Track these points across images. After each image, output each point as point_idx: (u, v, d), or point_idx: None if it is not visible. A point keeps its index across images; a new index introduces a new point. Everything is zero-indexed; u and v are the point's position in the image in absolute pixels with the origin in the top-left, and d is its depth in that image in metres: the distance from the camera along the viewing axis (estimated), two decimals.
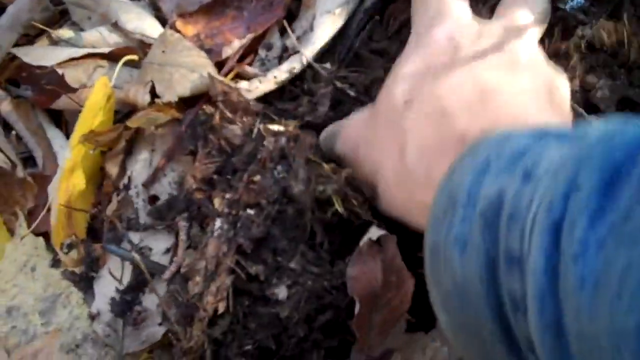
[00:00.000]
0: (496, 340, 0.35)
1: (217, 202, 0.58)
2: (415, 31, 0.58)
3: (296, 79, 0.67)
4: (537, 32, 0.55)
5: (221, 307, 0.55)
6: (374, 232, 0.54)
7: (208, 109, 0.63)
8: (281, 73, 0.66)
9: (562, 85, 0.53)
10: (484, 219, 0.35)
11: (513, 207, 0.33)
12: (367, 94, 0.64)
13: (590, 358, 0.27)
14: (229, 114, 0.62)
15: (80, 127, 0.67)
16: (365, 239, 0.54)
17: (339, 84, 0.64)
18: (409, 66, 0.54)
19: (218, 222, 0.57)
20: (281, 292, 0.55)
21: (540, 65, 0.53)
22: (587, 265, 0.27)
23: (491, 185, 0.36)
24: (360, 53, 0.67)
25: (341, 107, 0.64)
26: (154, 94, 0.67)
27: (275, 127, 0.60)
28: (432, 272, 0.41)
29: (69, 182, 0.68)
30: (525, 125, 0.41)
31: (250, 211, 0.56)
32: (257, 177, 0.57)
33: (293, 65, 0.67)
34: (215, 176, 0.60)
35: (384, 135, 0.53)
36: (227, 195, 0.58)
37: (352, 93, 0.64)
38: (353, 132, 0.58)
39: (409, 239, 0.53)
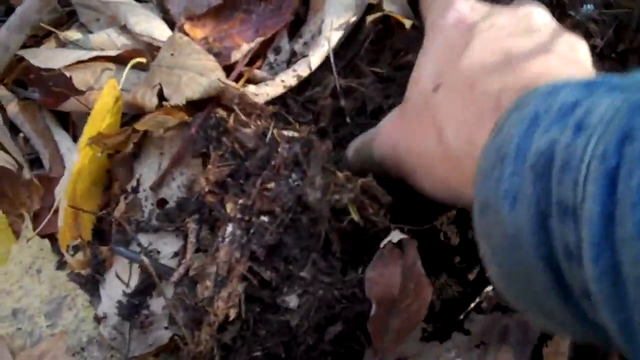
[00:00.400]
0: (549, 289, 0.35)
1: (229, 206, 0.57)
2: (429, 25, 0.57)
3: (308, 82, 0.66)
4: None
5: (232, 313, 0.54)
6: (396, 236, 0.53)
7: (220, 112, 0.62)
8: (289, 77, 0.65)
9: (581, 45, 0.51)
10: (535, 170, 0.34)
11: (566, 157, 0.32)
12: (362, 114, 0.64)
13: None
14: (243, 117, 0.60)
15: (89, 130, 0.66)
16: (386, 241, 0.53)
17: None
18: (430, 55, 0.54)
19: (230, 228, 0.56)
20: (292, 301, 0.54)
21: (556, 28, 0.52)
22: None
23: (541, 138, 0.35)
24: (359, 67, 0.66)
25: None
26: (161, 96, 0.65)
27: (289, 133, 0.59)
28: (481, 227, 0.40)
29: (76, 184, 0.66)
30: (556, 80, 0.40)
31: (264, 218, 0.55)
32: (272, 184, 0.56)
33: (301, 69, 0.65)
34: (228, 179, 0.59)
35: (420, 124, 0.52)
36: (240, 201, 0.57)
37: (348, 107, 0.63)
38: (388, 133, 0.57)
39: (431, 247, 0.52)
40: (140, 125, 0.65)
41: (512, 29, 0.50)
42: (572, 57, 0.50)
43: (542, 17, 0.52)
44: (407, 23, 0.66)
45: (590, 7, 0.56)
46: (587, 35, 0.56)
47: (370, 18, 0.67)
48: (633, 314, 0.28)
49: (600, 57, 0.55)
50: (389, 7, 0.66)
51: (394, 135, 0.56)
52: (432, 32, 0.56)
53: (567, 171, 0.32)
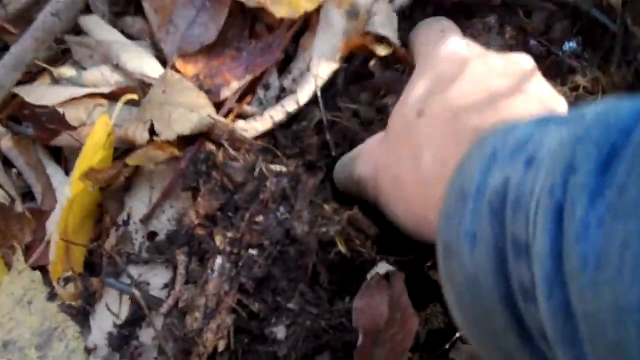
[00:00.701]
0: (509, 330, 0.34)
1: (218, 239, 0.57)
2: (423, 54, 0.59)
3: (295, 117, 0.66)
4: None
5: (221, 345, 0.54)
6: (382, 267, 0.53)
7: (209, 146, 0.62)
8: (277, 113, 0.66)
9: (561, 101, 0.53)
10: (491, 208, 0.34)
11: (517, 194, 0.33)
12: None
13: (596, 336, 0.27)
14: (232, 152, 0.61)
15: (81, 165, 0.66)
16: (373, 272, 0.53)
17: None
18: (418, 85, 0.55)
19: (219, 260, 0.56)
20: (280, 331, 0.54)
21: (541, 78, 0.53)
22: (588, 245, 0.26)
23: (497, 175, 0.35)
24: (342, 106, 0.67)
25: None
26: (152, 132, 0.66)
27: (277, 167, 0.59)
28: (445, 269, 0.40)
29: (68, 217, 0.66)
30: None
31: (253, 251, 0.56)
32: (260, 218, 0.56)
33: (289, 105, 0.66)
34: (217, 213, 0.59)
35: (400, 147, 0.53)
36: (229, 234, 0.57)
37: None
38: (369, 153, 0.58)
39: (416, 278, 0.52)
40: (131, 160, 0.65)
41: (501, 71, 0.52)
42: (551, 107, 0.51)
43: (530, 66, 0.53)
44: (383, 51, 0.67)
45: (572, 44, 0.57)
46: (570, 72, 0.57)
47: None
48: (585, 351, 0.28)
49: (585, 93, 0.56)
50: (381, 31, 0.67)
51: (374, 155, 0.57)
52: (425, 62, 0.57)
53: (519, 207, 0.32)
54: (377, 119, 0.65)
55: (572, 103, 0.57)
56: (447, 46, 0.55)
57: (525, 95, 0.50)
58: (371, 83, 0.67)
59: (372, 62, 0.67)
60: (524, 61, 0.53)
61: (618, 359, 0.26)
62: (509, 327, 0.34)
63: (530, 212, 0.31)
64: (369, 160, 0.57)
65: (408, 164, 0.51)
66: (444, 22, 0.61)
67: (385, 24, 0.67)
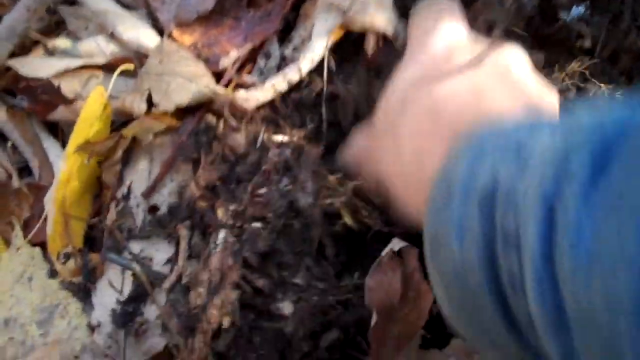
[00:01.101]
0: (496, 320, 0.34)
1: (220, 212, 0.54)
2: (411, 45, 0.56)
3: (298, 87, 0.63)
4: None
5: (226, 321, 0.51)
6: (396, 244, 0.51)
7: (210, 117, 0.59)
8: (279, 82, 0.62)
9: (551, 97, 0.51)
10: (480, 208, 0.34)
11: (508, 192, 0.33)
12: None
13: (588, 331, 0.27)
14: (233, 123, 0.58)
15: (76, 137, 0.63)
16: (387, 249, 0.50)
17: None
18: (405, 75, 0.53)
19: (222, 234, 0.53)
20: (286, 307, 0.52)
21: (532, 77, 0.51)
22: (582, 248, 0.26)
23: (487, 172, 0.35)
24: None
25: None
26: (150, 103, 0.63)
27: (279, 138, 0.56)
28: (433, 262, 0.39)
29: (65, 191, 0.63)
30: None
31: (256, 224, 0.53)
32: (263, 190, 0.53)
33: (291, 74, 0.63)
34: (219, 184, 0.56)
35: (382, 140, 0.52)
36: (232, 207, 0.54)
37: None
38: (354, 142, 0.57)
39: None
40: (127, 131, 0.62)
41: (492, 71, 0.49)
42: (538, 103, 0.49)
43: (519, 60, 0.51)
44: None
45: (580, 9, 0.54)
46: (578, 37, 0.54)
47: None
48: (574, 343, 0.28)
49: (591, 58, 0.53)
50: (380, 15, 0.63)
51: (358, 147, 0.56)
52: (410, 55, 0.55)
53: (509, 206, 0.32)
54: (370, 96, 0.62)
55: (579, 78, 0.54)
56: (437, 35, 0.53)
57: (512, 89, 0.48)
58: (364, 59, 0.63)
59: (367, 41, 0.64)
60: (514, 54, 0.51)
61: (609, 352, 0.26)
62: (497, 317, 0.34)
63: (521, 212, 0.31)
64: (351, 152, 0.56)
65: (390, 156, 0.50)
66: (443, 5, 0.58)
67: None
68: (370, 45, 0.64)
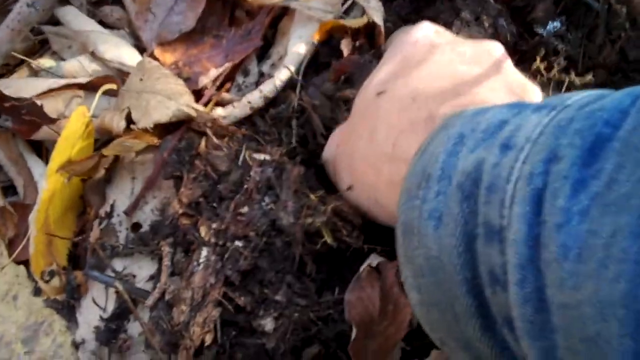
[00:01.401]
0: (470, 315, 0.33)
1: (203, 230, 0.54)
2: (390, 46, 0.56)
3: (274, 102, 0.63)
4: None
5: (208, 339, 0.51)
6: (374, 259, 0.50)
7: (191, 135, 0.59)
8: (255, 98, 0.62)
9: (533, 89, 0.50)
10: (462, 190, 0.33)
11: (492, 178, 0.31)
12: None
13: (573, 328, 0.26)
14: (215, 140, 0.57)
15: (58, 157, 0.62)
16: (365, 265, 0.50)
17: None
18: (384, 68, 0.53)
19: (204, 252, 0.53)
20: (267, 324, 0.51)
21: (511, 67, 0.51)
22: (570, 235, 0.25)
23: (467, 158, 0.34)
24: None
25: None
26: (130, 121, 0.62)
27: (260, 156, 0.55)
28: (404, 250, 0.38)
29: (47, 210, 0.62)
30: None
31: (239, 243, 0.52)
32: (245, 209, 0.53)
33: (267, 90, 0.62)
34: (202, 201, 0.56)
35: (359, 127, 0.51)
36: (214, 225, 0.53)
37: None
38: (332, 138, 0.57)
39: None
40: (107, 150, 0.61)
41: (469, 59, 0.49)
42: (519, 96, 0.48)
43: (499, 54, 0.50)
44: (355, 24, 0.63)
45: (556, 24, 0.54)
46: (554, 53, 0.54)
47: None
48: (556, 342, 0.27)
49: (568, 73, 0.53)
50: (373, 15, 0.63)
51: (335, 138, 0.55)
52: (394, 47, 0.55)
53: (493, 191, 0.30)
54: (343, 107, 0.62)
55: (556, 83, 0.54)
56: (417, 31, 0.53)
57: (492, 82, 0.48)
58: (333, 66, 0.63)
59: (343, 42, 0.63)
60: (494, 49, 0.51)
61: (593, 352, 0.25)
62: (472, 313, 0.33)
63: (507, 197, 0.29)
64: (331, 144, 0.56)
65: (364, 142, 0.49)
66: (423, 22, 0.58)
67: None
68: (347, 45, 0.63)
